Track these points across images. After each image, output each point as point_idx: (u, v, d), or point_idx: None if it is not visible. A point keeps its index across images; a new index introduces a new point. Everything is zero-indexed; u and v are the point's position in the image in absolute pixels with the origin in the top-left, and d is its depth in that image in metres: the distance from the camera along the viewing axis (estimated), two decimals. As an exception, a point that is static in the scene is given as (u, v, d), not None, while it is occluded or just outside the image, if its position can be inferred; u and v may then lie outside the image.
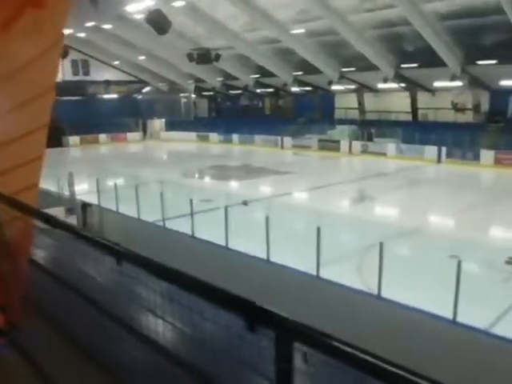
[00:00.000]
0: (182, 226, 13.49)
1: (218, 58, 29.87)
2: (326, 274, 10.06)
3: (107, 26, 37.12)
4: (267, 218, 10.09)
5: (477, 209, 18.84)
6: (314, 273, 9.66)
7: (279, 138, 41.05)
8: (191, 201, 12.75)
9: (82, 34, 39.91)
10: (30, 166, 3.79)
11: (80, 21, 30.71)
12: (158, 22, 20.08)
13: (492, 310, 9.12)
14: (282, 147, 40.58)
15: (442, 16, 27.29)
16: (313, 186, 23.43)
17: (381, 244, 8.74)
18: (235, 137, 44.55)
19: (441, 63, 30.08)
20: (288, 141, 40.54)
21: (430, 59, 30.40)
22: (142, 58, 44.70)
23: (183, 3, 30.24)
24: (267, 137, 41.90)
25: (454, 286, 9.57)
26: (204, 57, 29.39)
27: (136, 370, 2.93)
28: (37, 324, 3.75)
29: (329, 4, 28.53)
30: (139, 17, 31.22)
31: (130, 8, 29.74)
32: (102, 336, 3.24)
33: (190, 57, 29.69)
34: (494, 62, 28.81)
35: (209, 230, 12.73)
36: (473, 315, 8.12)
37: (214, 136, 46.50)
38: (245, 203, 17.48)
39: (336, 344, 1.23)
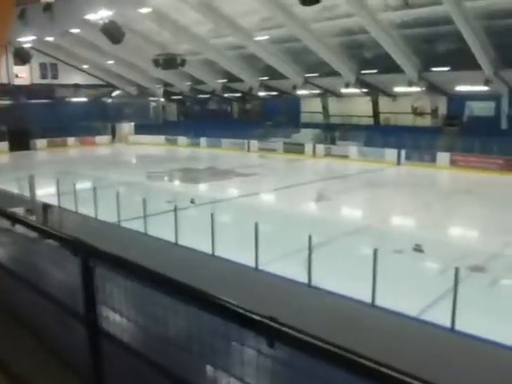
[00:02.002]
0: (141, 226, 14.14)
1: (183, 63, 30.51)
2: (273, 267, 10.88)
3: (75, 30, 37.35)
4: (212, 216, 10.87)
5: (429, 207, 19.97)
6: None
7: (246, 141, 41.90)
8: (144, 200, 13.44)
9: (50, 38, 40.04)
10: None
11: (40, 30, 31.03)
12: (113, 32, 20.75)
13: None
14: (249, 150, 41.44)
15: (398, 25, 28.54)
16: (274, 187, 24.30)
17: (309, 237, 9.62)
18: (203, 140, 45.24)
19: (399, 69, 31.35)
20: (254, 144, 41.43)
21: (388, 65, 31.67)
22: (111, 62, 45.02)
23: (149, 9, 30.87)
24: (234, 140, 42.71)
25: (390, 276, 10.53)
26: (170, 62, 29.99)
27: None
28: None
29: (291, 12, 29.43)
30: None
31: (88, 17, 29.82)
32: (60, 329, 3.77)
33: (155, 62, 30.23)
34: (447, 68, 30.24)
35: (164, 229, 13.40)
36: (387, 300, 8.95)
37: (182, 139, 47.09)
38: (192, 201, 18.20)
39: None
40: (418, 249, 12.76)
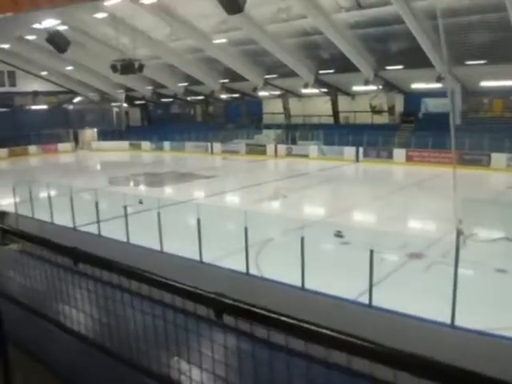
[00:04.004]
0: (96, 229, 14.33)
1: (141, 68, 30.48)
2: (226, 262, 11.25)
3: (31, 37, 36.96)
4: (159, 214, 11.18)
5: (380, 201, 20.62)
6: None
7: (209, 144, 42.19)
8: (97, 204, 13.64)
9: (5, 45, 39.53)
10: None
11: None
12: (58, 41, 20.85)
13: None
14: (212, 153, 41.73)
15: (351, 25, 29.24)
16: (234, 187, 24.68)
17: (245, 228, 10.20)
18: (166, 144, 45.34)
19: (355, 69, 32.08)
20: (217, 146, 41.75)
21: (345, 65, 32.38)
22: (70, 68, 44.64)
23: (105, 14, 30.89)
24: (197, 143, 42.97)
25: (336, 264, 10.97)
26: (127, 67, 29.89)
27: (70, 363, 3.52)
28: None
29: (247, 15, 29.76)
30: (62, 29, 31.71)
31: (36, 26, 29.54)
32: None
33: (113, 68, 30.15)
34: (400, 67, 31.14)
35: (118, 231, 13.61)
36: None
37: (145, 144, 47.06)
38: (140, 202, 18.43)
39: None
40: (338, 234, 13.45)
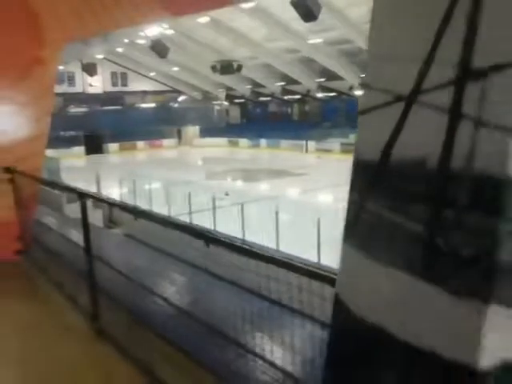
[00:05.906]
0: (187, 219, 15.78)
1: (239, 68, 32.04)
2: (304, 256, 12.11)
3: (141, 41, 39.98)
4: (242, 206, 12.29)
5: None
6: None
7: (304, 142, 42.94)
8: (189, 195, 15.03)
9: (119, 49, 43.08)
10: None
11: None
12: (159, 48, 22.87)
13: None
14: (306, 151, 42.42)
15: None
16: (322, 186, 25.19)
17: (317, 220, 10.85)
18: (263, 142, 46.78)
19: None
20: (312, 145, 42.38)
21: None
22: (176, 69, 47.60)
23: (208, 19, 32.76)
24: (293, 141, 43.85)
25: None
26: (226, 68, 31.61)
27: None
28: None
29: (343, 15, 30.17)
30: (169, 33, 34.36)
31: (141, 33, 32.10)
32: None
33: (213, 68, 31.97)
34: None
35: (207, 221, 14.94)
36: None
37: (243, 141, 48.88)
38: (226, 194, 19.67)
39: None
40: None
